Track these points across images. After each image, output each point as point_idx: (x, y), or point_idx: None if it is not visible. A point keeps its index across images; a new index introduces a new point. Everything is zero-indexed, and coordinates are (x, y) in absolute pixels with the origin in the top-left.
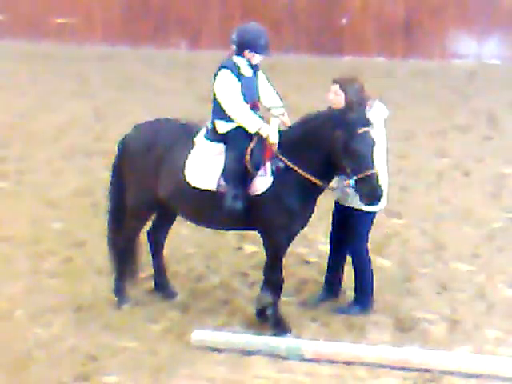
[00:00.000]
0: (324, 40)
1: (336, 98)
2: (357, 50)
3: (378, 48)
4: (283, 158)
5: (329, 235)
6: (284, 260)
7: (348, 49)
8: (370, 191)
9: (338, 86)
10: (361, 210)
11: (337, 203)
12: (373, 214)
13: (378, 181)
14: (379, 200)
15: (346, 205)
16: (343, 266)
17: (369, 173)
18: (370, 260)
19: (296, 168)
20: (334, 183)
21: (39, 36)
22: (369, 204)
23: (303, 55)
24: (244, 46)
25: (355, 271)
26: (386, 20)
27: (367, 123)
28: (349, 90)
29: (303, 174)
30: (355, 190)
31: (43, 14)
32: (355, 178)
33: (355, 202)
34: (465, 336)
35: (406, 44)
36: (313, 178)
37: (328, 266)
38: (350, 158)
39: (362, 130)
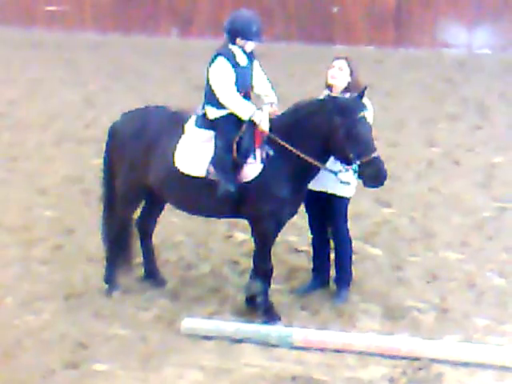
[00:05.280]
0: (315, 28)
1: (340, 73)
2: (347, 38)
3: (368, 37)
4: (279, 140)
5: (308, 223)
6: (274, 248)
7: (339, 37)
8: (376, 174)
9: (343, 61)
10: (337, 195)
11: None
12: (349, 196)
13: (382, 163)
14: (383, 183)
15: (320, 190)
16: (329, 254)
17: (373, 156)
18: (350, 240)
19: (292, 149)
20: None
21: (29, 23)
22: (373, 187)
23: (294, 43)
24: (235, 33)
25: (336, 250)
26: (377, 9)
27: (364, 107)
28: (355, 69)
29: (299, 154)
30: (358, 175)
31: (33, 2)
32: (359, 162)
33: (331, 187)
34: (454, 324)
35: (396, 33)
36: (310, 159)
37: (314, 255)
38: (353, 143)
39: (361, 114)
